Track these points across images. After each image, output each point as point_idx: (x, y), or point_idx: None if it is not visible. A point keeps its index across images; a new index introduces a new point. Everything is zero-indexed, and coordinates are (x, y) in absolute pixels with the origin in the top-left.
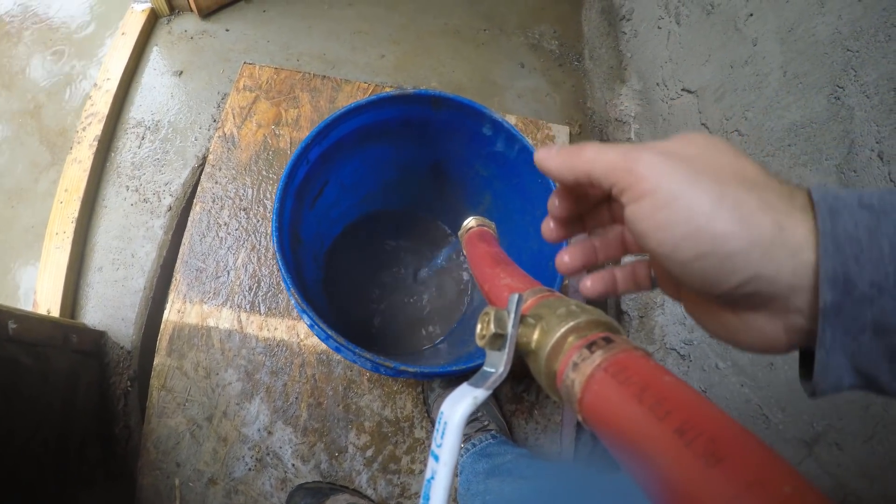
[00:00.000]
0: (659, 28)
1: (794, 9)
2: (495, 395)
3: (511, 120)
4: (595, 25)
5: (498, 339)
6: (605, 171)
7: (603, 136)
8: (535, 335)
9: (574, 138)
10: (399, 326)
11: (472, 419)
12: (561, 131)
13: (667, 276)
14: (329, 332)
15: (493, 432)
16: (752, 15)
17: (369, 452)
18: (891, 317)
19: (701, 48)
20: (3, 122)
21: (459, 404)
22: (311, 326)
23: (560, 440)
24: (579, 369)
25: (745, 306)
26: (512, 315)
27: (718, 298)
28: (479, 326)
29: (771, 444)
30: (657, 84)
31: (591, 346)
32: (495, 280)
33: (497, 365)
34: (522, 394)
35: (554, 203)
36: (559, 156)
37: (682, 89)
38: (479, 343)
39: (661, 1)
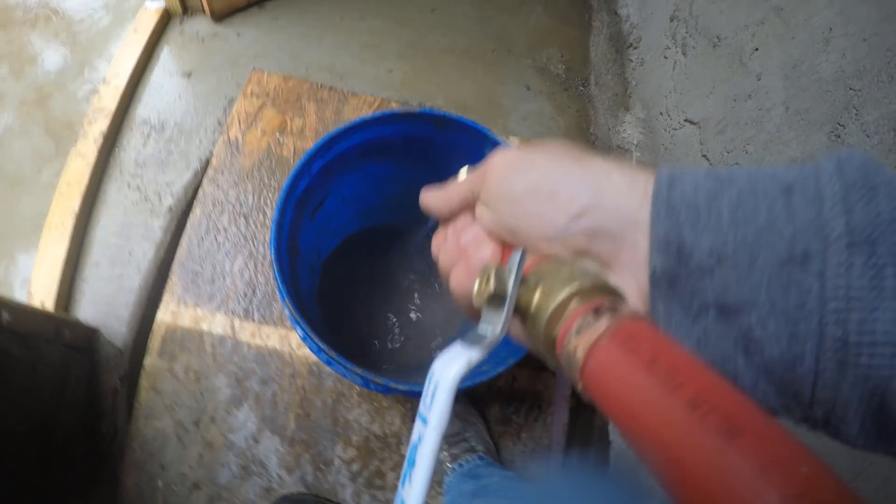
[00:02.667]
0: (665, 58)
1: (799, 45)
2: (483, 416)
3: (514, 142)
4: (602, 52)
5: (496, 299)
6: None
7: None
8: (536, 297)
9: None
10: (394, 339)
11: (461, 440)
12: None
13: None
14: (321, 346)
15: (480, 454)
16: (757, 49)
17: (355, 466)
18: (735, 293)
19: (705, 80)
20: (11, 110)
21: (453, 364)
22: (303, 338)
23: (547, 463)
24: (583, 335)
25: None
26: (513, 273)
27: (550, 249)
28: (476, 283)
29: None
30: (660, 113)
31: (596, 311)
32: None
33: (494, 325)
34: (511, 416)
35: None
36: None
37: (685, 120)
38: (476, 301)
39: (669, 31)
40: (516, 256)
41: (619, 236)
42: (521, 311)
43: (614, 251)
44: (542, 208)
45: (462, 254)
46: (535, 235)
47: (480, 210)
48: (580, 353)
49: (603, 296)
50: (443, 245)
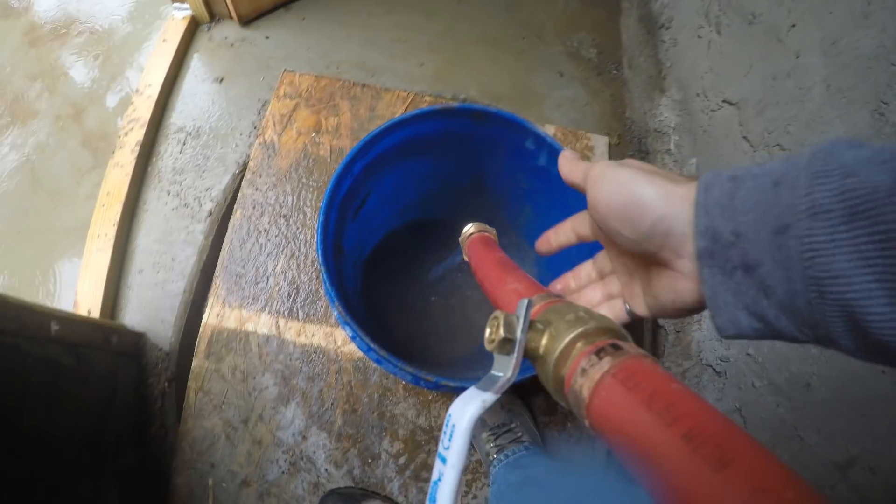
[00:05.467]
0: (699, 37)
1: (837, 21)
2: (529, 407)
3: (550, 130)
4: (633, 33)
5: (507, 344)
6: (581, 173)
7: (642, 147)
8: (544, 341)
9: (612, 149)
10: (436, 334)
11: (506, 430)
12: (600, 141)
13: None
14: (371, 345)
15: (526, 444)
16: (794, 26)
17: (402, 460)
18: (750, 255)
19: (742, 59)
20: (47, 125)
21: (468, 407)
22: (352, 338)
23: (593, 451)
24: (588, 375)
25: (660, 259)
26: (521, 320)
27: (640, 246)
28: (487, 331)
29: (804, 466)
30: (697, 95)
31: (599, 353)
32: (502, 285)
33: (505, 369)
34: (556, 405)
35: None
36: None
37: (723, 101)
38: (488, 347)
39: (702, 9)
40: (523, 304)
41: (682, 234)
42: (531, 354)
43: (682, 244)
44: (633, 216)
45: None
46: (630, 237)
47: (589, 195)
48: (586, 392)
49: (606, 337)
50: None
